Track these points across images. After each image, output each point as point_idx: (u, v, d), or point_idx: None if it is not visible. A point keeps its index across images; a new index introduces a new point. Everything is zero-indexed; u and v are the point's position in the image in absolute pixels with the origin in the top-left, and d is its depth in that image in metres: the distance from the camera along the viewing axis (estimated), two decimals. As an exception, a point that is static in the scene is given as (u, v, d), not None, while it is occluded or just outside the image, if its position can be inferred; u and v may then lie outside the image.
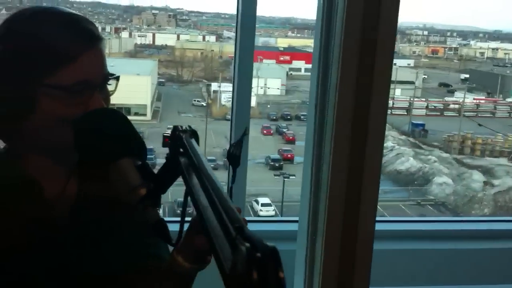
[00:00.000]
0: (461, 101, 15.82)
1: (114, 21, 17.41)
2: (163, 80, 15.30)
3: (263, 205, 10.54)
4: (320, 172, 1.94)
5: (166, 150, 0.86)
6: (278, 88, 14.76)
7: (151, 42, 16.90)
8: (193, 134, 0.82)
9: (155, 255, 1.08)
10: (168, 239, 0.87)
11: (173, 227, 0.90)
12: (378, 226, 1.97)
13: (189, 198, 0.77)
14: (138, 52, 16.03)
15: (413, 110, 15.17)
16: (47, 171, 0.99)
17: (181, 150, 0.82)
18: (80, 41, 0.92)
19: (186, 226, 0.90)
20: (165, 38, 16.92)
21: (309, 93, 2.09)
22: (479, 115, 15.45)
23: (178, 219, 0.88)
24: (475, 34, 22.31)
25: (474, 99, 16.33)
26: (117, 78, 0.98)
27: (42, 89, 0.90)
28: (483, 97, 16.80)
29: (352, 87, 1.88)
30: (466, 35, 22.04)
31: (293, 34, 19.22)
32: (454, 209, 11.86)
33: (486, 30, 23.55)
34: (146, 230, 1.12)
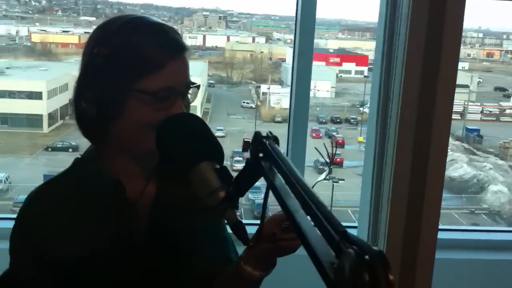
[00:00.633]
0: (518, 106, 15.20)
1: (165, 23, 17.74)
2: (212, 81, 15.46)
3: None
4: (382, 179, 1.91)
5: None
6: (327, 91, 14.63)
7: (202, 44, 17.12)
8: (275, 140, 0.84)
9: (227, 258, 1.11)
10: (246, 240, 0.89)
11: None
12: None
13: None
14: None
15: (467, 114, 14.70)
16: (129, 172, 1.04)
17: (261, 155, 0.83)
18: (168, 50, 0.97)
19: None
20: (215, 40, 17.10)
21: (370, 98, 2.07)
22: (537, 121, 14.81)
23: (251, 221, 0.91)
24: (534, 37, 21.38)
25: (532, 104, 15.67)
26: (198, 87, 1.02)
27: (132, 94, 0.95)
28: (541, 102, 16.09)
29: (416, 93, 1.85)
30: (524, 37, 21.17)
31: (344, 36, 19.00)
32: (509, 218, 11.41)
33: (545, 33, 22.52)
34: (219, 233, 1.16)
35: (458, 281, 2.36)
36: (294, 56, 2.46)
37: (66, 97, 12.59)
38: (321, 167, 11.91)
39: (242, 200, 0.90)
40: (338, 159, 12.13)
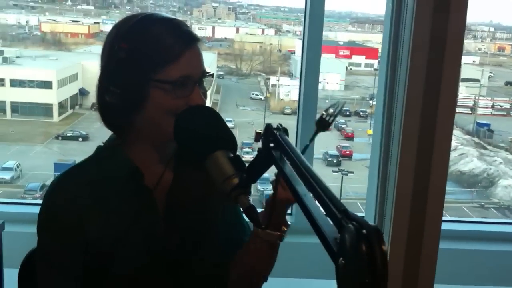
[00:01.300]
0: (529, 101, 15.09)
1: (175, 14, 17.77)
2: (222, 73, 15.51)
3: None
4: (388, 171, 1.96)
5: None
6: (337, 83, 14.60)
7: (211, 35, 17.14)
8: (285, 131, 0.90)
9: (242, 241, 1.17)
10: (258, 223, 0.95)
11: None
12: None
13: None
14: (198, 44, 16.22)
15: (478, 109, 14.61)
16: (148, 160, 1.10)
17: (272, 145, 0.89)
18: (182, 41, 1.04)
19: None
20: (225, 31, 17.12)
21: (377, 91, 2.11)
22: (548, 116, 14.70)
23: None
24: (546, 31, 21.14)
25: (543, 99, 15.53)
26: (212, 75, 1.08)
27: (153, 84, 1.02)
28: (553, 97, 15.94)
29: (421, 86, 1.88)
30: (536, 32, 20.95)
31: (353, 29, 18.91)
32: (518, 213, 11.39)
33: (558, 27, 22.26)
34: (234, 218, 1.22)
35: (461, 271, 2.41)
36: (303, 48, 2.49)
37: (76, 86, 12.70)
38: (330, 159, 11.96)
39: (251, 190, 0.95)
40: (348, 152, 12.15)
